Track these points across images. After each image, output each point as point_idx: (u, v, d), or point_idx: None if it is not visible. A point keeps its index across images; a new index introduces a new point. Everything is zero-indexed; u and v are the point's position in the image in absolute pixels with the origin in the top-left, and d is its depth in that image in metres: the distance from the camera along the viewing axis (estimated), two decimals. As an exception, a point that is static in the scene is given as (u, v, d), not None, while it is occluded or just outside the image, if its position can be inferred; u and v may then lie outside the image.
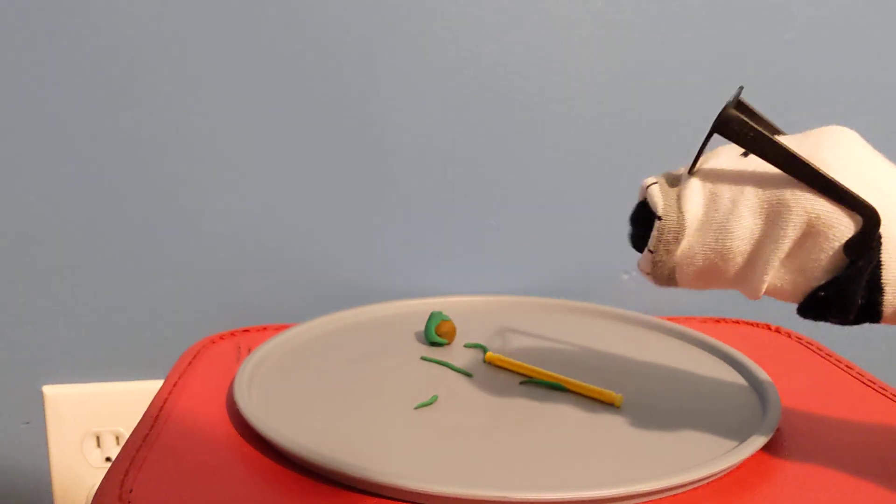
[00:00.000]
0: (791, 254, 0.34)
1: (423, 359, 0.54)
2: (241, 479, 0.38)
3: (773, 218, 0.34)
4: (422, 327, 0.62)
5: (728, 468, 0.39)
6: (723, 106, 0.35)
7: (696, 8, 0.69)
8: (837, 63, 0.71)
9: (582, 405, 0.47)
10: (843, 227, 0.33)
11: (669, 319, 0.67)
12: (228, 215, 0.69)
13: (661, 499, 0.37)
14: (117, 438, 0.70)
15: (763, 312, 0.75)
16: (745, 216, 0.34)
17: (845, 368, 0.56)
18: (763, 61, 0.70)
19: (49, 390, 0.69)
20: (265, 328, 0.63)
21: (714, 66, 0.70)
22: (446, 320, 0.57)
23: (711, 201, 0.35)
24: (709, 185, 0.36)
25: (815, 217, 0.33)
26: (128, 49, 0.65)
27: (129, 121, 0.66)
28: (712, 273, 0.36)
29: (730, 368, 0.54)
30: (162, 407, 0.47)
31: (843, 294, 0.33)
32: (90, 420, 0.70)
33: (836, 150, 0.34)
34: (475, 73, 0.68)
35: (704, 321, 0.68)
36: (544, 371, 0.51)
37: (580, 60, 0.69)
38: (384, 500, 0.37)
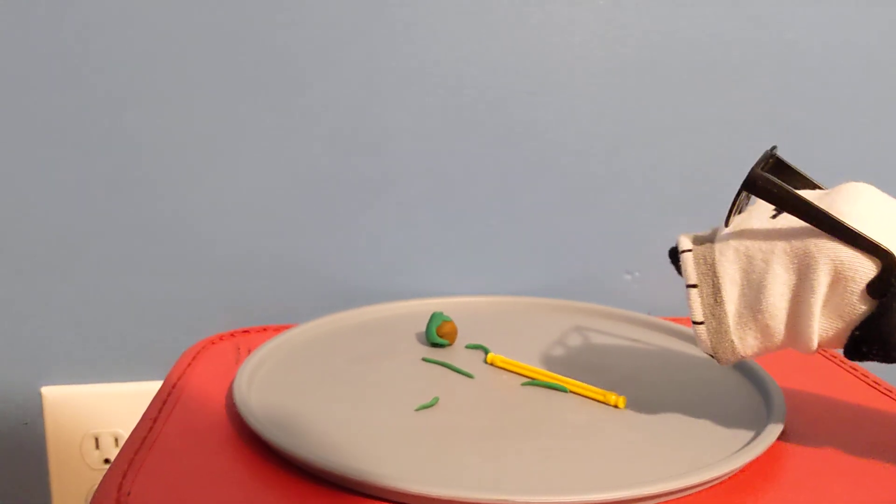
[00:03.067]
0: (827, 302, 0.37)
1: (425, 360, 0.54)
2: (240, 482, 0.38)
3: (804, 270, 0.37)
4: (423, 328, 0.61)
5: (732, 471, 0.38)
6: (755, 163, 0.39)
7: (697, 8, 0.68)
8: (837, 63, 0.71)
9: (584, 407, 0.47)
10: (864, 270, 0.36)
11: (672, 320, 0.66)
12: (228, 216, 0.69)
13: (664, 502, 0.37)
14: (116, 440, 0.70)
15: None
16: (778, 273, 0.38)
17: (850, 370, 0.56)
18: (763, 61, 0.70)
19: (48, 391, 0.69)
20: (265, 329, 0.63)
21: (714, 65, 0.70)
22: (447, 321, 0.57)
23: (748, 264, 0.39)
24: (742, 248, 0.39)
25: (840, 263, 0.36)
26: (128, 49, 0.64)
27: (130, 121, 0.66)
28: (766, 334, 0.39)
29: (734, 370, 0.54)
30: (161, 408, 0.46)
31: (876, 332, 0.36)
32: (89, 421, 0.69)
33: (853, 202, 0.37)
34: (475, 73, 0.68)
35: (707, 322, 0.67)
36: (546, 372, 0.50)
37: (580, 60, 0.69)
38: (384, 503, 0.36)
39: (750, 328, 0.39)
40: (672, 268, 0.71)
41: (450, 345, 0.57)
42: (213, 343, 0.59)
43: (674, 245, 0.43)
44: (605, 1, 0.68)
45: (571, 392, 0.49)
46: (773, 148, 0.41)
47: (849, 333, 0.37)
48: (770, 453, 0.42)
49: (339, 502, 0.36)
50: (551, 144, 0.70)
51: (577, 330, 0.62)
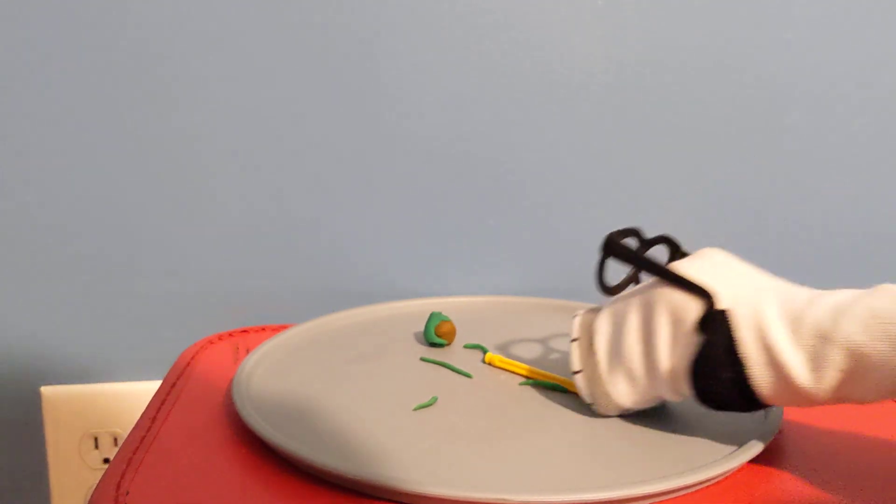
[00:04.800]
0: (673, 345, 0.40)
1: (423, 360, 0.54)
2: (238, 481, 0.38)
3: (648, 315, 0.41)
4: (421, 328, 0.61)
5: (728, 471, 0.39)
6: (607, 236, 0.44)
7: (697, 7, 0.68)
8: (837, 63, 0.71)
9: (582, 407, 0.47)
10: (691, 308, 0.39)
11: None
12: (227, 215, 0.69)
13: (660, 502, 0.37)
14: (115, 440, 0.70)
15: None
16: (632, 321, 0.42)
17: (847, 369, 0.55)
18: (763, 61, 0.70)
19: (47, 391, 0.69)
20: (264, 329, 0.63)
21: (714, 65, 0.70)
22: (446, 321, 0.57)
23: (614, 319, 0.44)
24: (613, 308, 0.44)
25: (672, 304, 0.40)
26: (129, 48, 0.64)
27: (129, 120, 0.66)
28: (631, 378, 0.42)
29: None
30: (159, 408, 0.46)
31: (705, 366, 0.39)
32: (88, 421, 0.69)
33: (694, 259, 0.42)
34: (475, 72, 0.68)
35: (705, 322, 0.67)
36: (543, 372, 0.50)
37: (581, 60, 0.69)
38: (383, 502, 0.36)
39: (618, 374, 0.43)
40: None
41: (448, 344, 0.57)
42: (211, 343, 0.59)
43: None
44: (605, 1, 0.68)
45: (569, 391, 0.49)
46: (630, 230, 0.46)
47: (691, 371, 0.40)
48: (767, 454, 0.42)
49: (337, 502, 0.36)
50: (551, 144, 0.70)
51: (575, 330, 0.62)
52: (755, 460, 0.41)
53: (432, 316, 0.57)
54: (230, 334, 0.61)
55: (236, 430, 0.44)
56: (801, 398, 0.37)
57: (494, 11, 0.67)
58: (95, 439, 0.70)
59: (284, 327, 0.63)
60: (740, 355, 0.38)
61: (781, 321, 0.37)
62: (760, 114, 0.71)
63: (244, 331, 0.62)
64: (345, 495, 0.37)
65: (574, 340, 0.45)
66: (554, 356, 0.55)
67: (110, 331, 0.70)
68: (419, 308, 0.66)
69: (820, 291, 0.38)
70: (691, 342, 0.39)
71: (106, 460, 0.70)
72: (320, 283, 0.71)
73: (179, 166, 0.67)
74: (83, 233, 0.67)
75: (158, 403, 0.47)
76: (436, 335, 0.56)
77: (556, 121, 0.70)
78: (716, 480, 0.39)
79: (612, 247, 0.43)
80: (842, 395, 0.36)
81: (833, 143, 0.72)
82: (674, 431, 0.43)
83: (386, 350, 0.56)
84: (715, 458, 0.40)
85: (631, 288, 0.45)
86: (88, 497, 0.69)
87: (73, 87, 0.65)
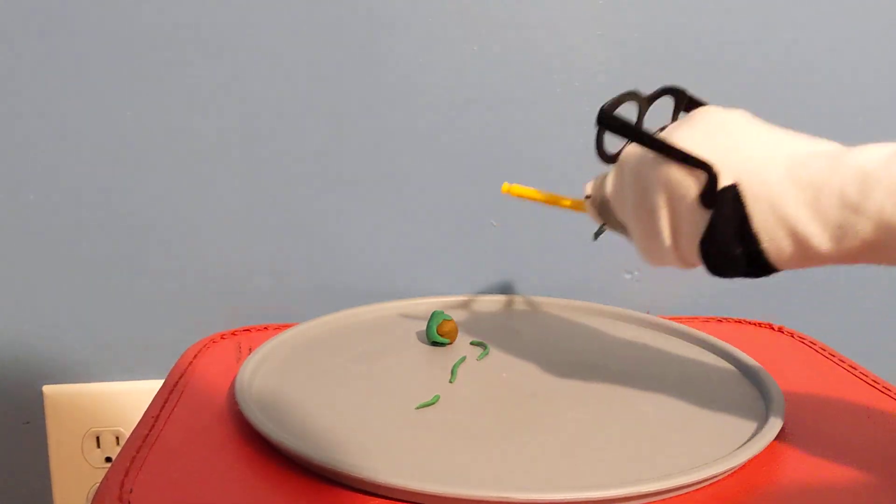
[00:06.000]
0: (673, 221, 0.38)
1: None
2: (241, 480, 0.38)
3: (644, 198, 0.39)
4: (423, 327, 0.61)
5: (731, 469, 0.39)
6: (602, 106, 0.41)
7: (697, 7, 0.68)
8: (838, 62, 0.71)
9: (584, 405, 0.47)
10: (690, 184, 0.37)
11: (672, 319, 0.67)
12: (229, 215, 0.69)
13: (664, 499, 0.37)
14: (117, 438, 0.70)
15: (766, 312, 0.75)
16: (631, 208, 0.40)
17: (849, 368, 0.56)
18: (763, 60, 0.70)
19: (49, 390, 0.69)
20: (266, 328, 0.63)
21: (714, 66, 0.70)
22: (448, 320, 0.57)
23: (619, 194, 0.41)
24: (618, 182, 0.42)
25: (668, 181, 0.37)
26: (130, 48, 0.65)
27: (128, 120, 0.66)
28: (647, 240, 0.40)
29: (732, 368, 0.54)
30: (162, 407, 0.47)
31: (717, 242, 0.36)
32: (90, 420, 0.69)
33: (697, 124, 0.38)
34: (476, 72, 0.68)
35: (707, 321, 0.68)
36: (559, 196, 0.48)
37: (580, 59, 0.69)
38: (385, 501, 0.36)
39: (630, 225, 0.41)
40: (670, 269, 0.72)
41: (450, 343, 0.57)
42: (214, 342, 0.59)
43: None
44: (605, 0, 0.68)
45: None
46: (629, 93, 0.43)
47: (698, 248, 0.38)
48: (769, 451, 0.42)
49: (340, 500, 0.36)
50: (551, 144, 0.70)
51: (576, 329, 0.62)
52: (755, 459, 0.41)
53: (434, 315, 0.57)
54: (233, 333, 0.61)
55: (239, 428, 0.44)
56: (818, 262, 0.36)
57: (494, 11, 0.67)
58: (98, 438, 0.70)
59: (287, 326, 0.63)
60: (753, 231, 0.36)
61: (797, 190, 0.35)
62: (761, 113, 0.71)
63: (247, 330, 0.62)
64: (347, 493, 0.37)
65: (587, 198, 0.44)
66: (556, 355, 0.55)
67: (112, 330, 0.70)
68: (421, 307, 0.66)
69: (841, 149, 0.35)
70: (695, 218, 0.37)
71: (108, 459, 0.70)
72: (323, 282, 0.71)
73: (180, 166, 0.67)
74: (86, 232, 0.67)
75: (161, 402, 0.47)
76: (438, 334, 0.56)
77: (557, 120, 0.70)
78: (716, 479, 0.39)
79: (605, 119, 0.40)
80: (863, 258, 0.35)
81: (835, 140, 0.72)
82: (676, 429, 0.43)
83: (388, 349, 0.56)
84: (715, 458, 0.40)
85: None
86: (91, 496, 0.69)
87: (73, 86, 0.65)
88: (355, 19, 0.66)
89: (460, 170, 0.70)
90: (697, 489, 0.38)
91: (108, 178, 0.67)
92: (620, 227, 0.43)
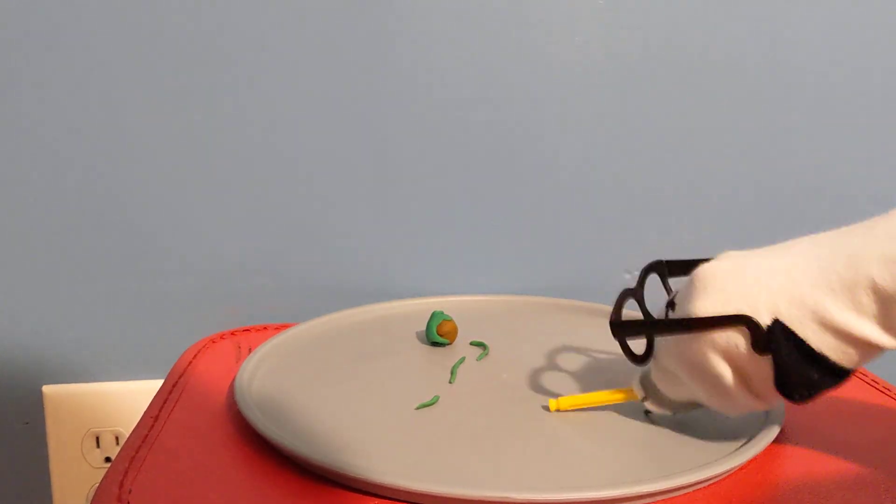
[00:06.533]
0: (738, 380, 0.39)
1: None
2: (241, 480, 0.38)
3: (702, 371, 0.39)
4: (422, 327, 0.61)
5: (731, 469, 0.39)
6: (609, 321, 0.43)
7: (697, 6, 0.68)
8: (838, 63, 0.71)
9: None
10: (738, 341, 0.38)
11: (671, 319, 0.66)
12: (228, 215, 0.69)
13: (664, 500, 0.37)
14: (117, 438, 0.70)
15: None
16: (692, 385, 0.40)
17: (848, 368, 0.56)
18: (763, 62, 0.70)
19: (49, 390, 0.69)
20: (265, 328, 0.63)
21: (714, 67, 0.70)
22: (448, 320, 0.57)
23: (673, 382, 0.42)
24: (665, 371, 0.42)
25: (718, 347, 0.38)
26: (131, 49, 0.65)
27: (130, 120, 0.66)
28: (726, 402, 0.41)
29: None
30: (161, 407, 0.47)
31: (793, 377, 0.37)
32: (90, 420, 0.69)
33: (706, 287, 0.39)
34: (476, 72, 0.68)
35: (706, 321, 0.67)
36: (612, 393, 0.46)
37: (582, 59, 0.69)
38: (385, 501, 0.36)
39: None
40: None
41: (450, 344, 0.57)
42: (213, 342, 0.59)
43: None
44: (606, 1, 0.68)
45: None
46: (624, 293, 0.44)
47: (773, 389, 0.38)
48: (768, 452, 0.42)
49: (339, 500, 0.36)
50: (551, 144, 0.70)
51: (577, 329, 0.62)
52: (755, 459, 0.41)
53: (434, 315, 0.57)
54: (232, 333, 0.61)
55: (238, 428, 0.44)
56: (887, 349, 0.36)
57: (495, 11, 0.67)
58: (97, 438, 0.70)
59: (286, 326, 0.63)
60: (818, 352, 0.36)
61: (833, 297, 0.35)
62: (761, 112, 0.71)
63: (246, 330, 0.62)
64: (347, 493, 0.37)
65: (644, 399, 0.44)
66: (556, 356, 0.55)
67: (112, 330, 0.70)
68: (421, 307, 0.66)
69: (841, 242, 0.36)
70: (759, 365, 0.38)
71: (108, 459, 0.70)
72: (322, 282, 0.71)
73: (180, 166, 0.67)
74: (86, 232, 0.67)
75: (161, 402, 0.47)
76: (437, 334, 0.56)
77: (557, 120, 0.70)
78: (716, 480, 0.39)
79: (621, 329, 0.42)
80: None
81: (833, 142, 0.72)
82: (674, 430, 0.43)
83: (388, 349, 0.56)
84: (715, 458, 0.40)
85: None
86: (90, 496, 0.69)
87: (73, 86, 0.65)
88: (354, 19, 0.66)
89: (460, 170, 0.70)
90: (697, 489, 0.38)
91: (107, 179, 0.67)
92: (688, 406, 0.43)
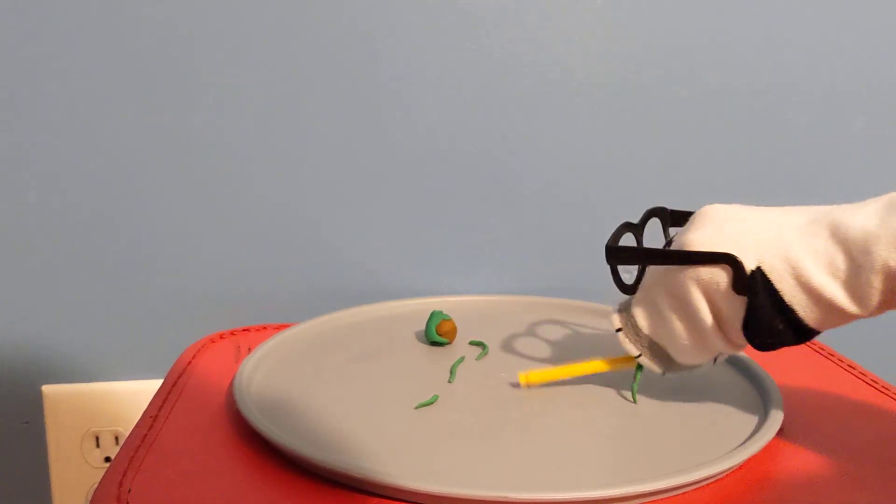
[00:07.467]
0: (714, 312, 0.41)
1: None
2: (240, 480, 0.38)
3: (682, 303, 0.42)
4: (422, 327, 0.61)
5: (730, 468, 0.39)
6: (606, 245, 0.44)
7: (697, 6, 0.68)
8: (838, 63, 0.71)
9: (582, 404, 0.47)
10: (720, 278, 0.40)
11: (671, 319, 0.66)
12: (228, 215, 0.69)
13: (662, 499, 0.37)
14: (116, 438, 0.70)
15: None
16: (665, 310, 0.43)
17: (847, 368, 0.56)
18: (762, 62, 0.70)
19: (48, 390, 0.69)
20: (265, 328, 0.63)
21: (713, 67, 0.70)
22: (447, 319, 0.57)
23: (651, 313, 0.44)
24: (643, 302, 0.45)
25: (699, 281, 0.41)
26: (133, 50, 0.65)
27: (130, 121, 0.66)
28: (689, 356, 0.44)
29: (731, 368, 0.54)
30: (161, 407, 0.47)
31: (759, 323, 0.39)
32: (89, 420, 0.69)
33: (704, 223, 0.42)
34: (476, 72, 0.68)
35: (706, 320, 0.67)
36: (580, 365, 0.48)
37: (580, 59, 0.69)
38: (384, 500, 0.36)
39: (673, 347, 0.44)
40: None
41: (449, 343, 0.57)
42: (213, 341, 0.59)
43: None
44: (604, 2, 0.68)
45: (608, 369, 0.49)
46: (623, 225, 0.46)
47: (741, 331, 0.41)
48: (767, 450, 0.42)
49: (339, 499, 0.36)
50: (551, 143, 0.70)
51: (576, 329, 0.62)
52: (754, 458, 0.41)
53: (433, 315, 0.57)
54: (231, 333, 0.61)
55: (238, 428, 0.44)
56: (854, 318, 0.39)
57: (494, 11, 0.67)
58: (97, 438, 0.70)
59: (286, 326, 0.63)
60: (788, 304, 0.39)
61: (814, 260, 0.38)
62: (761, 113, 0.71)
63: (245, 330, 0.62)
64: (346, 493, 0.37)
65: (619, 330, 0.46)
66: (555, 355, 0.55)
67: (112, 330, 0.70)
68: (420, 307, 0.66)
69: (833, 214, 0.39)
70: (733, 304, 0.40)
71: (107, 459, 0.70)
72: (322, 282, 0.71)
73: (180, 166, 0.67)
74: (85, 232, 0.67)
75: (160, 402, 0.47)
76: (437, 334, 0.56)
77: (556, 120, 0.70)
78: (716, 478, 0.39)
79: (615, 254, 0.44)
80: (889, 308, 0.38)
81: (832, 142, 0.72)
82: (675, 429, 0.43)
83: (387, 349, 0.56)
84: (714, 457, 0.40)
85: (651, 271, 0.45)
86: (90, 496, 0.69)
87: (74, 86, 0.65)
88: (354, 20, 0.66)
89: (460, 170, 0.70)
90: (697, 488, 0.38)
91: (107, 179, 0.67)
92: (657, 351, 0.45)
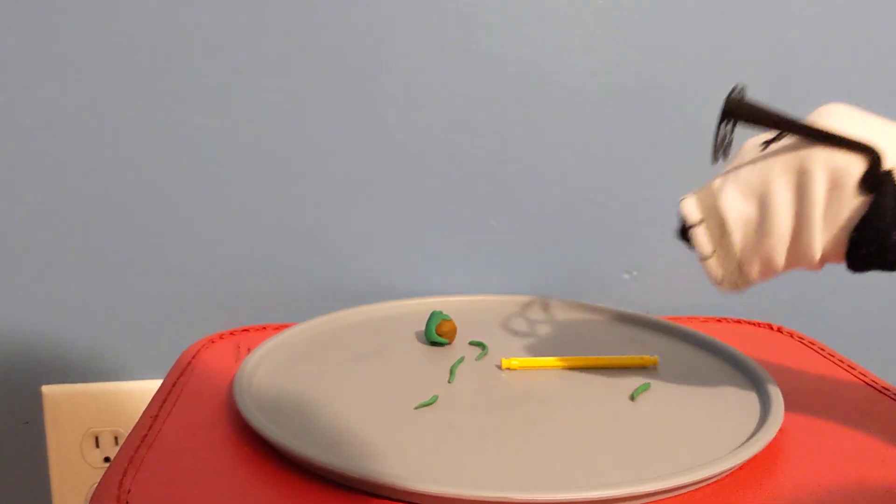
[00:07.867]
0: (826, 211, 0.37)
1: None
2: (240, 480, 0.38)
3: (802, 184, 0.38)
4: (422, 327, 0.61)
5: (730, 468, 0.39)
6: (726, 96, 0.40)
7: (698, 6, 0.68)
8: (838, 62, 0.71)
9: (583, 405, 0.47)
10: (854, 168, 0.36)
11: (671, 319, 0.67)
12: (228, 215, 0.69)
13: (663, 499, 0.37)
14: (116, 438, 0.70)
15: (765, 312, 0.75)
16: (779, 194, 0.38)
17: (847, 368, 0.56)
18: (764, 60, 0.70)
19: (48, 390, 0.69)
20: (265, 328, 0.63)
21: (714, 64, 0.70)
22: (447, 320, 0.57)
23: (749, 193, 0.40)
24: (741, 180, 0.40)
25: (834, 167, 0.37)
26: (133, 51, 0.65)
27: (130, 121, 0.66)
28: (772, 257, 0.40)
29: (731, 368, 0.54)
30: (161, 407, 0.47)
31: (872, 230, 0.36)
32: (89, 420, 0.69)
33: (832, 115, 0.38)
34: (476, 72, 0.68)
35: (706, 321, 0.67)
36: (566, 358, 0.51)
37: (580, 58, 0.69)
38: (384, 501, 0.36)
39: (756, 254, 0.40)
40: (670, 268, 0.72)
41: (449, 343, 0.57)
42: (212, 342, 0.59)
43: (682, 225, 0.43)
44: (605, 2, 0.68)
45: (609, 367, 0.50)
46: (740, 86, 0.41)
47: (848, 238, 0.37)
48: (768, 451, 0.42)
49: (339, 500, 0.36)
50: (551, 144, 0.70)
51: (575, 329, 0.62)
52: (755, 459, 0.41)
53: (433, 315, 0.57)
54: (231, 333, 0.61)
55: (238, 428, 0.44)
56: None
57: (494, 12, 0.67)
58: (96, 438, 0.70)
59: (286, 326, 0.63)
60: None
61: None
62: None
63: (245, 330, 0.62)
64: (346, 493, 0.37)
65: (697, 225, 0.41)
66: (556, 355, 0.55)
67: (111, 330, 0.70)
68: (420, 307, 0.66)
69: None
70: (851, 206, 0.37)
71: (107, 459, 0.70)
72: (321, 282, 0.71)
73: (180, 166, 0.67)
74: (85, 232, 0.67)
75: (160, 402, 0.47)
76: (437, 334, 0.56)
77: (556, 120, 0.70)
78: (715, 479, 0.39)
79: (739, 112, 0.38)
80: None
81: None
82: (675, 429, 0.43)
83: (387, 349, 0.56)
84: (714, 457, 0.40)
85: (754, 152, 0.41)
86: (90, 496, 0.69)
87: (74, 86, 0.65)
88: (354, 20, 0.66)
89: (460, 170, 0.70)
90: (697, 489, 0.38)
91: (107, 179, 0.67)
92: (728, 252, 0.41)
